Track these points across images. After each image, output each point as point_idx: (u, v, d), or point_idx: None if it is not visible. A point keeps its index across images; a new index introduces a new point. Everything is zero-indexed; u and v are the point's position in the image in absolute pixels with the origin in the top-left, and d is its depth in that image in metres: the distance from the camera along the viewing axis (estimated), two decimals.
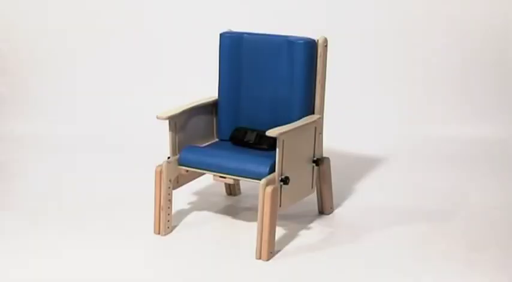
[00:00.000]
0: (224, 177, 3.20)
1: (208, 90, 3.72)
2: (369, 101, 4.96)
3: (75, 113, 5.01)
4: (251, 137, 3.40)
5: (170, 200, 3.32)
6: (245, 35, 3.42)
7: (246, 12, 4.83)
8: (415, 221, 3.53)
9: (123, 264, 3.07)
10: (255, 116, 3.45)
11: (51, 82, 5.06)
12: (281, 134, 3.05)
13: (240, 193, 3.84)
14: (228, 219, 3.53)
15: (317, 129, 3.32)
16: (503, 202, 3.77)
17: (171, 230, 3.36)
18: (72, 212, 3.60)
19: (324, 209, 3.56)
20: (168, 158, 3.31)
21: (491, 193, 3.90)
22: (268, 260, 3.09)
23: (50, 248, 3.20)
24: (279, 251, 3.19)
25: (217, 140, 3.57)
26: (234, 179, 3.20)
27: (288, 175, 3.11)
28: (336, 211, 3.63)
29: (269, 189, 3.03)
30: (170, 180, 3.29)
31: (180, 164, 3.29)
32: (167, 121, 3.29)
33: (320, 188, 3.49)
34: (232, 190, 3.82)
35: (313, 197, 3.48)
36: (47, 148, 4.61)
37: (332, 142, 4.21)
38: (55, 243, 3.24)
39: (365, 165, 4.33)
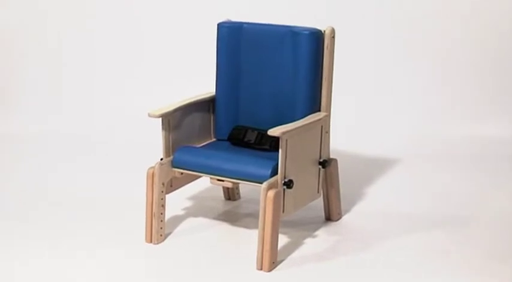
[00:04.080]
0: (222, 180, 3.20)
1: (204, 85, 3.73)
2: (380, 97, 4.96)
3: (61, 111, 5.04)
4: (251, 137, 3.41)
5: (163, 206, 3.32)
6: (245, 25, 3.43)
7: (246, 0, 4.84)
8: (429, 227, 3.53)
9: (112, 275, 3.06)
10: (255, 114, 3.46)
11: (36, 80, 5.10)
12: (284, 133, 3.05)
13: (239, 198, 3.85)
14: (226, 226, 3.53)
15: (323, 128, 3.32)
16: None
17: (164, 238, 3.37)
18: (57, 217, 3.61)
19: (331, 215, 3.57)
20: (161, 159, 3.31)
21: (511, 198, 3.92)
22: (270, 271, 3.09)
23: (32, 257, 3.19)
24: (282, 261, 3.18)
25: (214, 139, 3.57)
26: (233, 182, 3.20)
27: (291, 178, 3.12)
28: (344, 217, 3.63)
29: (271, 193, 3.03)
30: (163, 184, 3.29)
31: (174, 166, 3.30)
32: (160, 119, 3.28)
33: (327, 192, 3.49)
34: (231, 194, 3.82)
35: (319, 202, 3.49)
36: (31, 148, 4.64)
37: (340, 142, 4.23)
38: (37, 252, 3.24)
39: (376, 167, 4.34)
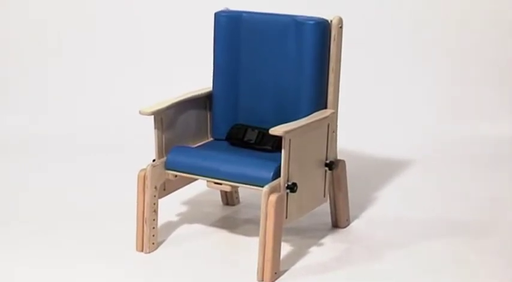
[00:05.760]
0: (220, 184, 3.20)
1: (201, 80, 3.71)
2: (392, 93, 4.98)
3: (45, 108, 5.06)
4: (252, 136, 3.40)
5: (155, 211, 3.30)
6: (244, 14, 3.41)
7: None
8: (446, 235, 3.52)
9: None
10: (256, 111, 3.45)
11: (18, 75, 5.14)
12: (287, 132, 3.03)
13: (238, 202, 3.85)
14: (224, 234, 3.53)
15: (330, 127, 3.31)
16: None
17: (157, 247, 3.35)
18: (40, 224, 3.60)
19: (338, 221, 3.56)
20: (154, 160, 3.30)
21: None
22: None
23: (15, 267, 3.19)
24: (284, 271, 3.16)
25: (211, 139, 3.56)
26: (231, 186, 3.19)
27: (295, 181, 3.09)
28: (352, 224, 3.62)
29: (273, 197, 3.01)
30: (156, 187, 3.28)
31: (168, 168, 3.29)
32: (152, 117, 3.27)
33: (334, 196, 3.48)
34: (229, 199, 3.82)
35: (325, 207, 3.47)
36: (11, 150, 4.65)
37: (348, 142, 4.24)
38: (20, 261, 3.23)
39: (386, 169, 4.33)
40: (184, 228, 3.55)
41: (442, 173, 4.29)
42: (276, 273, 3.08)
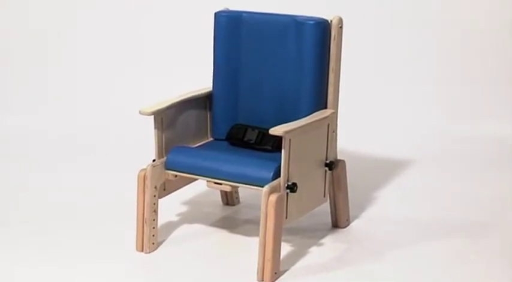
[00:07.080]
0: (220, 184, 3.19)
1: (201, 80, 3.71)
2: (392, 93, 4.97)
3: (45, 109, 5.05)
4: (252, 136, 3.40)
5: (156, 211, 3.30)
6: (244, 14, 3.41)
7: None
8: (448, 235, 3.51)
9: None
10: (256, 111, 3.44)
11: (18, 75, 5.15)
12: (287, 132, 3.03)
13: (238, 202, 3.84)
14: (224, 234, 3.52)
15: (330, 127, 3.30)
16: None
17: (157, 247, 3.34)
18: (40, 224, 3.59)
19: (338, 221, 3.55)
20: (154, 160, 3.29)
21: None
22: None
23: (15, 267, 3.17)
24: (284, 271, 3.16)
25: (211, 139, 3.56)
26: (231, 186, 3.19)
27: (295, 181, 3.09)
28: (352, 224, 3.61)
29: (273, 197, 3.00)
30: (156, 187, 3.27)
31: (168, 168, 3.28)
32: (152, 117, 3.26)
33: (334, 196, 3.48)
34: (229, 199, 3.81)
35: (325, 207, 3.46)
36: (11, 150, 4.64)
37: (348, 142, 4.25)
38: (20, 261, 3.22)
39: (387, 169, 4.32)
40: (184, 228, 3.54)
41: (442, 173, 4.28)
42: (276, 273, 3.07)
